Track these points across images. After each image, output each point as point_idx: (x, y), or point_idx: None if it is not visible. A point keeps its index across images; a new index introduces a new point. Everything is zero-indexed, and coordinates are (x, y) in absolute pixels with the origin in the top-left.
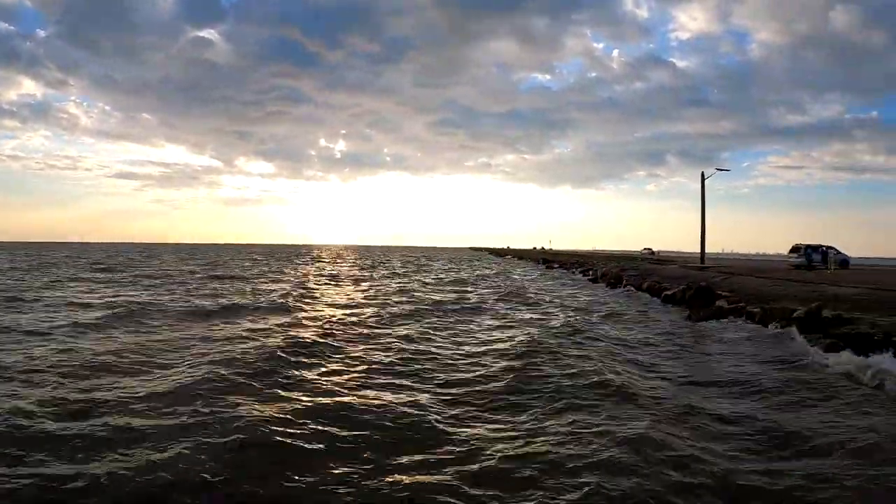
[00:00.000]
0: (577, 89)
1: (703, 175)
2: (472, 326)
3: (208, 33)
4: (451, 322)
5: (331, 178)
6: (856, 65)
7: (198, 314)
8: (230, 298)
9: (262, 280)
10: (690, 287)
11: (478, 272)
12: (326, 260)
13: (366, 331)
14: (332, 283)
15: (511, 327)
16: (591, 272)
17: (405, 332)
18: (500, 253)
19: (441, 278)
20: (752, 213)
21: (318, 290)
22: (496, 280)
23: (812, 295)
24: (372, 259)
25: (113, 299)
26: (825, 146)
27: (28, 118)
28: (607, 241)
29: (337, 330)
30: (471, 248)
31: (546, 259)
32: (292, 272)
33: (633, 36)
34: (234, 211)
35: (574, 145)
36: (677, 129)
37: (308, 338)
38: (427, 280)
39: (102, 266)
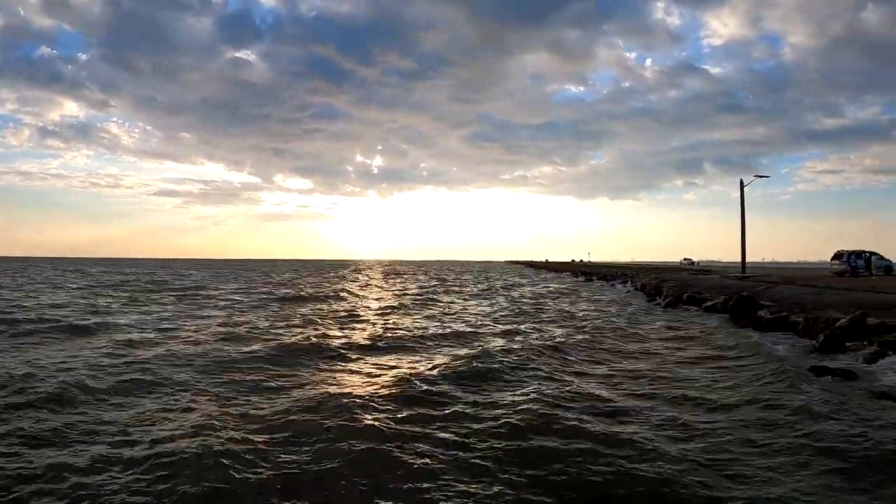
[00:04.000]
0: (610, 100)
1: (741, 183)
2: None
3: (245, 54)
4: None
5: (368, 193)
6: (891, 64)
7: None
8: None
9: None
10: (731, 297)
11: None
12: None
13: None
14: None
15: None
16: (629, 283)
17: None
18: (538, 266)
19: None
20: (793, 220)
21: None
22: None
23: (856, 302)
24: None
25: None
26: (864, 149)
27: (71, 138)
28: (646, 252)
29: None
30: (507, 262)
31: (585, 272)
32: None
33: (664, 44)
34: (273, 227)
35: (610, 156)
36: (714, 136)
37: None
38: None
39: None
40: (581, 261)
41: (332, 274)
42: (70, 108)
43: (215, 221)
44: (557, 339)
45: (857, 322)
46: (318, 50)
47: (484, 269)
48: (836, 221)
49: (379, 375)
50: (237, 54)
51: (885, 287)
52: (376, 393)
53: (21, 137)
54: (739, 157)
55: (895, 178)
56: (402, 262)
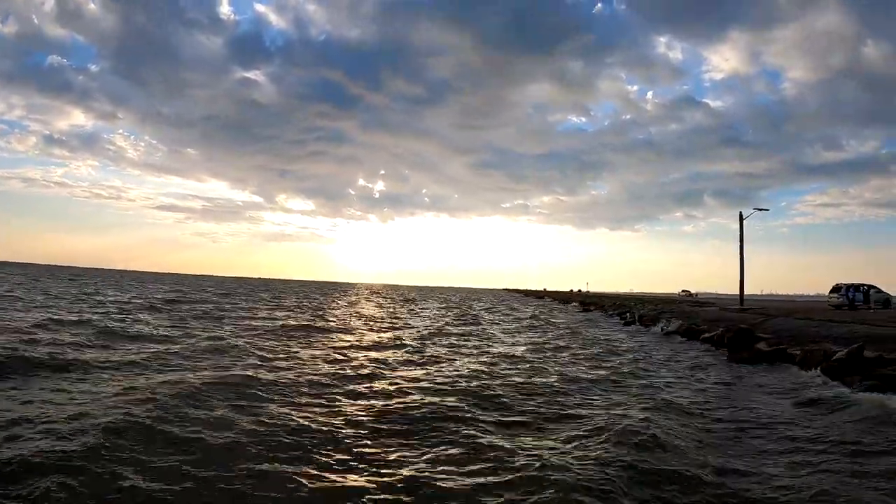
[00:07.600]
0: (611, 131)
1: (741, 215)
2: None
3: (254, 74)
4: None
5: (370, 217)
6: (891, 98)
7: None
8: None
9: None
10: (730, 329)
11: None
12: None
13: None
14: None
15: None
16: (628, 314)
17: None
18: (539, 295)
19: None
20: (792, 253)
21: None
22: None
23: (854, 336)
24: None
25: None
26: (863, 182)
27: (77, 148)
28: (644, 283)
29: None
30: (505, 290)
31: (584, 302)
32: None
33: (666, 78)
34: (274, 246)
35: (610, 187)
36: (713, 169)
37: None
38: None
39: None
40: (579, 290)
41: (385, 299)
42: (78, 118)
43: (214, 238)
44: None
45: (855, 355)
46: (327, 74)
47: (505, 299)
48: (835, 254)
49: None
50: (246, 74)
51: (882, 320)
52: None
53: (27, 144)
54: (739, 190)
55: (894, 212)
56: (400, 287)
